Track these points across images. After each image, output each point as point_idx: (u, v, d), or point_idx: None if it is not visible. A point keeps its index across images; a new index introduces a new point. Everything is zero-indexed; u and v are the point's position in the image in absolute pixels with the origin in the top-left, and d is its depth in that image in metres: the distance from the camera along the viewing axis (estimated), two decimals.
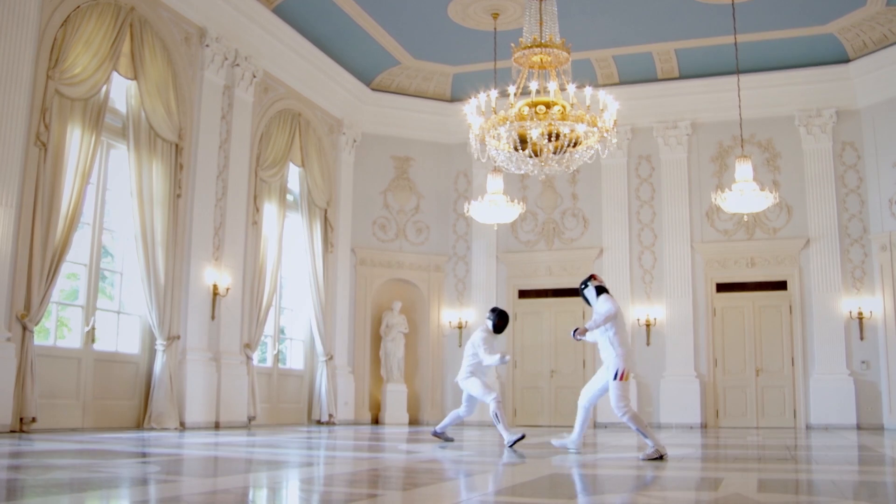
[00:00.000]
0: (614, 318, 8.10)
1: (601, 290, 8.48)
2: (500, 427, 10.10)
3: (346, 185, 18.80)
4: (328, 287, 17.67)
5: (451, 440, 11.02)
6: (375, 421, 18.83)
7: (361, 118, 19.25)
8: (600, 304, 8.28)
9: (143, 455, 7.62)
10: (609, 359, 8.14)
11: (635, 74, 18.39)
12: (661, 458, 7.55)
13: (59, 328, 12.33)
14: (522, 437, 9.82)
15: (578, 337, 8.34)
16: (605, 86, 16.11)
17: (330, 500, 4.60)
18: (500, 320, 10.63)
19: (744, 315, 17.82)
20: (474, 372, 10.58)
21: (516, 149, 9.84)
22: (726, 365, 17.72)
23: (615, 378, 7.99)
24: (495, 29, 15.95)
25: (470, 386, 10.61)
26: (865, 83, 17.26)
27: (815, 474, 6.40)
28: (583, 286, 8.63)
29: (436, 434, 11.03)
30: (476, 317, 19.08)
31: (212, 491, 4.88)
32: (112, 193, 12.89)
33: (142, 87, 12.78)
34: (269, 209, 16.01)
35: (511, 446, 9.53)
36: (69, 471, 5.77)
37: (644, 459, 7.47)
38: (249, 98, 15.50)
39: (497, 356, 10.24)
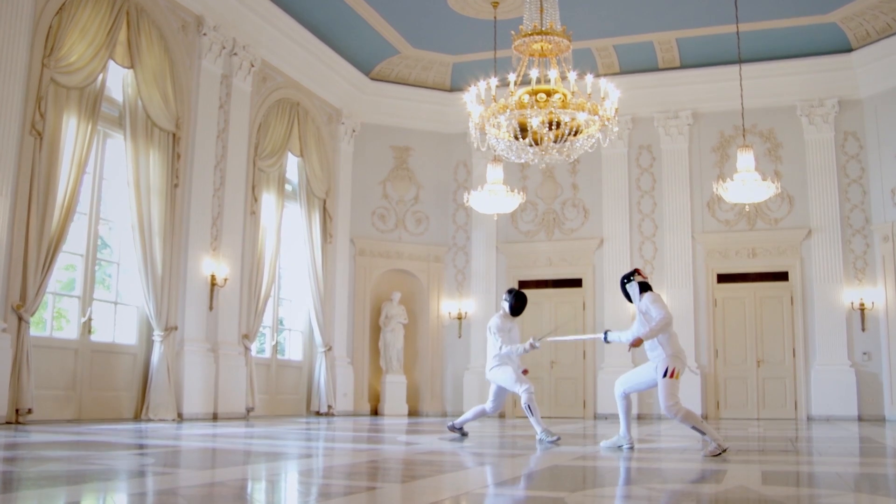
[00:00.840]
0: (670, 326, 7.57)
1: (645, 286, 7.86)
2: (533, 420, 9.27)
3: (345, 176, 18.70)
4: (327, 278, 17.58)
5: (466, 435, 10.06)
6: (375, 412, 18.76)
7: (360, 108, 19.13)
8: (649, 307, 7.64)
9: (139, 447, 7.54)
10: (658, 358, 7.63)
11: (636, 64, 18.26)
12: (724, 452, 7.10)
13: (56, 319, 12.25)
14: (558, 439, 9.01)
15: (634, 346, 7.81)
16: (605, 75, 15.99)
17: (328, 493, 4.52)
18: (517, 301, 9.75)
19: (745, 306, 17.73)
20: (503, 361, 9.65)
21: (516, 137, 9.73)
22: (727, 356, 17.63)
23: (664, 376, 7.50)
24: (495, 17, 15.81)
25: (499, 376, 9.62)
26: (868, 73, 17.13)
27: (819, 466, 6.31)
28: (625, 280, 7.98)
29: (453, 427, 10.07)
30: (476, 307, 19.00)
31: (207, 483, 4.79)
32: (109, 183, 12.79)
33: (138, 76, 12.67)
34: (268, 199, 15.91)
35: (543, 443, 8.83)
36: (62, 463, 5.69)
37: (706, 456, 7.00)
38: (247, 87, 15.38)
39: (524, 345, 9.46)
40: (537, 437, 9.11)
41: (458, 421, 10.11)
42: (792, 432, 11.62)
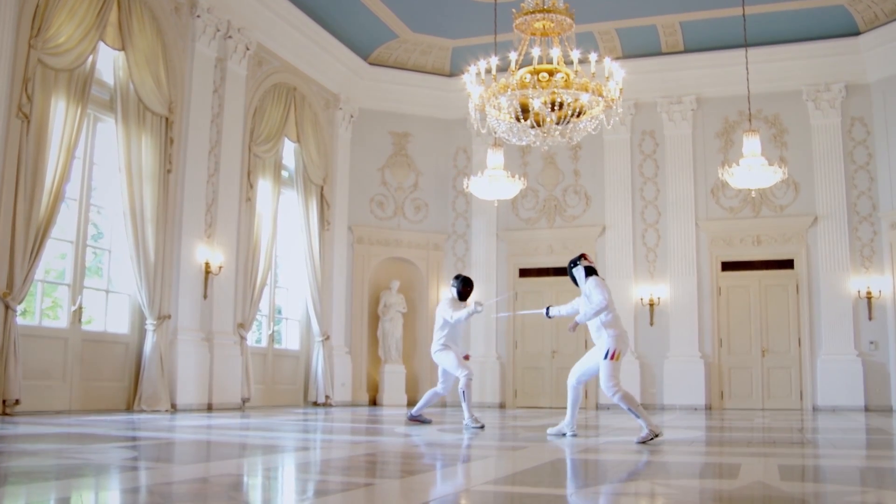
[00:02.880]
0: (605, 310, 7.82)
1: (591, 271, 8.17)
2: (465, 406, 9.75)
3: (342, 162, 18.38)
4: (325, 266, 17.28)
5: (429, 422, 10.55)
6: (373, 402, 18.49)
7: (359, 93, 18.80)
8: (591, 291, 7.92)
9: (127, 439, 7.26)
10: (600, 340, 7.88)
11: (639, 48, 17.91)
12: (656, 437, 7.31)
13: (52, 308, 11.96)
14: (482, 427, 9.51)
15: (571, 330, 8.28)
16: (601, 61, 15.64)
17: (323, 490, 4.25)
18: (464, 286, 10.24)
19: (749, 294, 17.43)
20: (448, 344, 10.06)
21: (518, 119, 9.41)
22: (731, 345, 17.34)
23: (605, 357, 7.73)
24: (495, 0, 15.46)
25: (443, 359, 10.08)
26: (876, 56, 16.79)
27: (837, 460, 6.02)
28: (571, 265, 8.32)
29: (412, 418, 10.47)
30: (476, 296, 18.63)
31: (196, 479, 4.50)
32: (100, 168, 12.47)
33: (130, 59, 12.33)
34: (264, 186, 15.59)
35: (469, 428, 9.39)
36: (41, 457, 5.40)
37: (639, 443, 7.20)
38: (243, 71, 15.05)
39: (466, 309, 9.83)
40: (464, 423, 9.56)
41: (414, 411, 10.53)
42: (800, 423, 11.33)
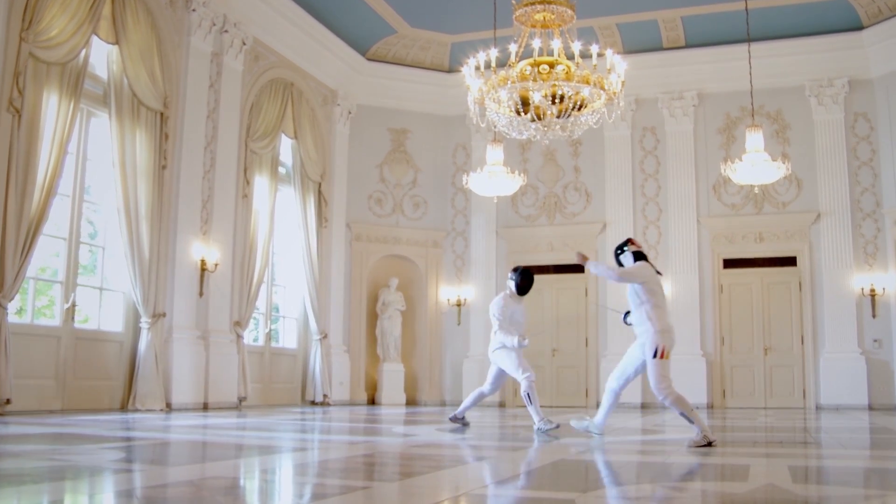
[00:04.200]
0: (636, 280, 7.06)
1: (639, 256, 7.43)
2: (532, 409, 8.81)
3: (340, 158, 18.18)
4: (322, 263, 17.09)
5: (468, 425, 9.68)
6: (371, 401, 18.31)
7: (357, 89, 18.60)
8: (632, 269, 7.30)
9: (118, 439, 7.08)
10: (645, 335, 7.15)
11: (640, 43, 17.70)
12: (709, 444, 6.66)
13: (48, 307, 11.77)
14: (557, 427, 8.56)
15: (581, 261, 7.58)
16: (603, 56, 15.48)
17: (320, 494, 4.07)
18: (523, 280, 9.29)
19: (751, 292, 17.24)
20: (506, 349, 9.15)
21: (518, 112, 9.22)
22: (733, 343, 17.15)
23: (654, 356, 7.03)
24: None
25: (501, 359, 9.16)
26: (880, 51, 16.60)
27: (848, 461, 5.84)
28: (618, 251, 7.57)
29: (455, 419, 9.68)
30: (475, 294, 18.52)
31: (186, 481, 4.32)
32: (93, 164, 12.27)
33: (124, 53, 12.15)
34: (260, 182, 15.40)
35: (542, 432, 8.45)
36: (24, 458, 5.22)
37: (690, 447, 6.59)
38: (239, 66, 14.86)
39: (513, 340, 8.93)
40: (535, 427, 8.63)
41: (458, 411, 9.69)
42: (804, 422, 11.15)
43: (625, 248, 7.51)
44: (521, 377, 8.96)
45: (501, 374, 9.37)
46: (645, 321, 7.18)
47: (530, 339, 9.02)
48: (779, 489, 4.09)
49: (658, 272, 7.39)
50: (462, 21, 17.24)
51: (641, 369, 7.34)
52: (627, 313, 7.66)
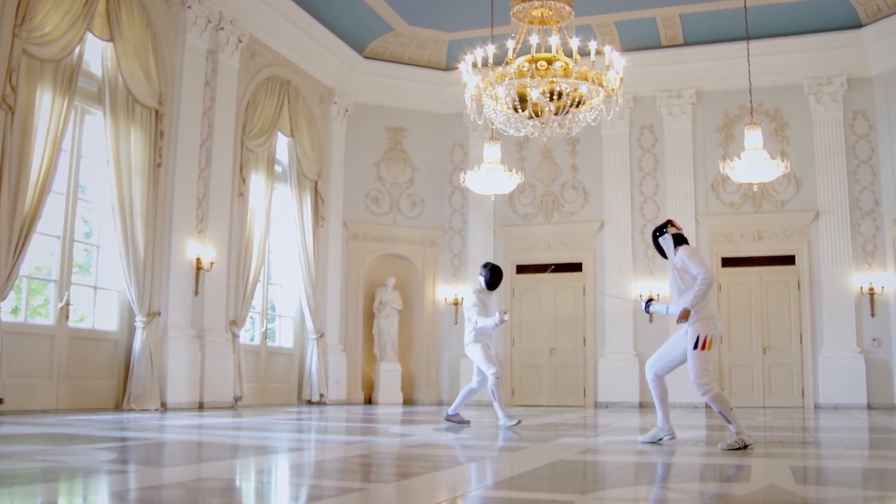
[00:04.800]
0: (712, 283, 6.56)
1: (680, 239, 6.92)
2: (496, 405, 9.35)
3: (337, 157, 18.09)
4: (319, 262, 17.00)
5: (468, 423, 9.94)
6: (368, 401, 18.22)
7: (353, 87, 18.51)
8: (686, 263, 6.70)
9: (111, 439, 6.99)
10: (689, 322, 6.64)
11: (638, 41, 17.61)
12: (745, 447, 6.30)
13: (44, 306, 11.67)
14: (518, 423, 9.20)
15: (681, 321, 6.70)
16: (602, 54, 15.41)
17: (314, 496, 3.98)
18: (492, 275, 9.66)
19: (750, 290, 17.17)
20: (478, 338, 9.57)
21: (515, 109, 9.13)
22: (732, 342, 17.06)
23: (696, 347, 6.52)
24: None
25: (473, 353, 9.61)
26: (879, 49, 16.52)
27: (850, 461, 5.76)
28: (657, 234, 7.03)
29: (449, 418, 9.92)
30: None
31: (174, 484, 4.23)
32: (87, 161, 12.18)
33: (118, 50, 12.06)
34: (256, 180, 15.31)
35: (506, 428, 8.98)
36: (12, 459, 5.13)
37: (725, 450, 6.26)
38: (235, 64, 14.76)
39: (493, 318, 9.34)
40: (499, 423, 9.12)
41: (451, 409, 10.00)
42: (804, 422, 11.08)
43: (665, 231, 7.02)
44: (489, 373, 9.39)
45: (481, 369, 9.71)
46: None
47: (503, 318, 9.35)
48: (782, 490, 4.01)
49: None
50: (459, 19, 17.16)
51: (683, 359, 6.79)
52: (649, 302, 7.37)
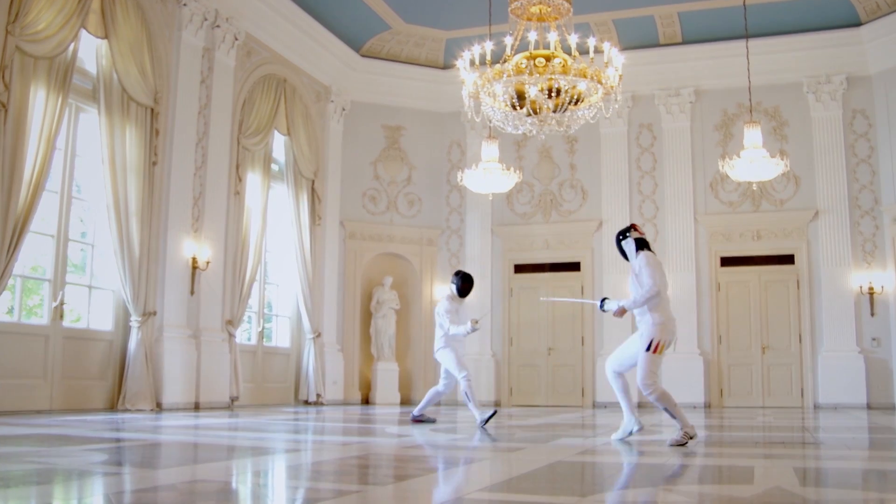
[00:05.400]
0: (657, 296, 6.84)
1: (642, 244, 7.16)
2: (471, 406, 9.57)
3: (334, 155, 17.99)
4: (315, 261, 16.90)
5: (434, 421, 10.32)
6: (366, 401, 18.12)
7: (350, 85, 18.41)
8: (641, 270, 6.94)
9: (104, 440, 6.89)
10: (644, 325, 6.92)
11: (636, 39, 17.52)
12: (690, 440, 6.65)
13: (39, 306, 11.57)
14: (494, 413, 9.49)
15: (616, 316, 7.27)
16: (601, 52, 15.35)
17: (311, 498, 3.90)
18: (464, 283, 10.02)
19: (749, 290, 17.09)
20: (448, 343, 9.88)
21: (514, 106, 9.04)
22: (731, 342, 16.99)
23: (647, 349, 6.81)
24: None
25: (443, 358, 9.91)
26: (878, 47, 16.44)
27: (854, 462, 5.67)
28: (620, 237, 7.31)
29: (416, 419, 10.23)
30: (471, 292, 18.25)
31: (163, 486, 4.14)
32: (82, 160, 12.08)
33: (113, 47, 11.96)
34: (253, 179, 15.21)
35: (483, 426, 9.19)
36: (1, 461, 5.02)
37: (672, 445, 6.53)
38: (231, 62, 14.66)
39: (465, 326, 9.60)
40: (477, 423, 9.30)
41: (416, 410, 10.31)
42: (804, 422, 11.00)
43: (627, 234, 7.26)
44: (460, 377, 9.70)
45: (449, 372, 9.96)
46: (645, 312, 6.96)
47: (475, 327, 9.65)
48: (787, 493, 3.93)
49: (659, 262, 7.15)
50: (457, 17, 17.07)
51: (636, 361, 7.07)
52: (604, 300, 7.50)
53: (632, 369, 7.23)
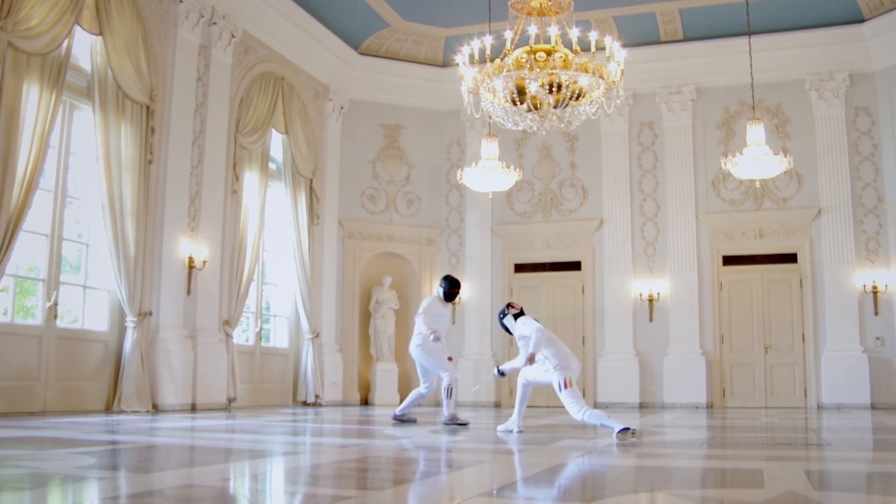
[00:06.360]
0: (546, 337, 7.83)
1: (519, 315, 8.32)
2: (450, 402, 9.65)
3: (332, 154, 17.83)
4: (314, 261, 16.75)
5: (415, 421, 10.27)
6: (365, 402, 17.97)
7: (349, 84, 18.26)
8: (522, 329, 8.04)
9: (95, 443, 6.73)
10: (547, 372, 7.87)
11: (637, 37, 17.33)
12: (633, 434, 7.09)
13: (36, 307, 11.41)
14: (465, 425, 9.49)
15: (530, 363, 7.97)
16: (603, 49, 15.20)
17: None
18: (451, 287, 10.05)
19: (751, 289, 16.93)
20: (425, 342, 9.87)
21: (514, 102, 8.89)
22: (733, 342, 16.84)
23: (561, 389, 7.63)
24: None
25: (421, 357, 9.97)
26: (881, 44, 16.29)
27: (865, 464, 5.52)
28: (501, 316, 8.43)
29: (396, 418, 10.21)
30: (470, 292, 18.17)
31: (150, 492, 3.98)
32: (76, 158, 11.93)
33: (108, 44, 11.80)
34: (250, 178, 15.05)
35: (446, 423, 9.49)
36: None
37: (619, 443, 6.89)
38: (228, 59, 14.51)
39: (429, 331, 9.68)
40: (443, 418, 9.62)
41: (398, 411, 10.32)
42: (809, 422, 10.84)
43: (506, 312, 8.39)
44: (444, 374, 9.76)
45: (428, 371, 10.00)
46: (543, 361, 7.87)
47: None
48: (800, 497, 3.77)
49: (535, 319, 8.22)
50: (456, 14, 16.93)
51: (547, 383, 8.05)
52: (499, 370, 8.78)
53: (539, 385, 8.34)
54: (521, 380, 8.33)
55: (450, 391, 9.64)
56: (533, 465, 5.38)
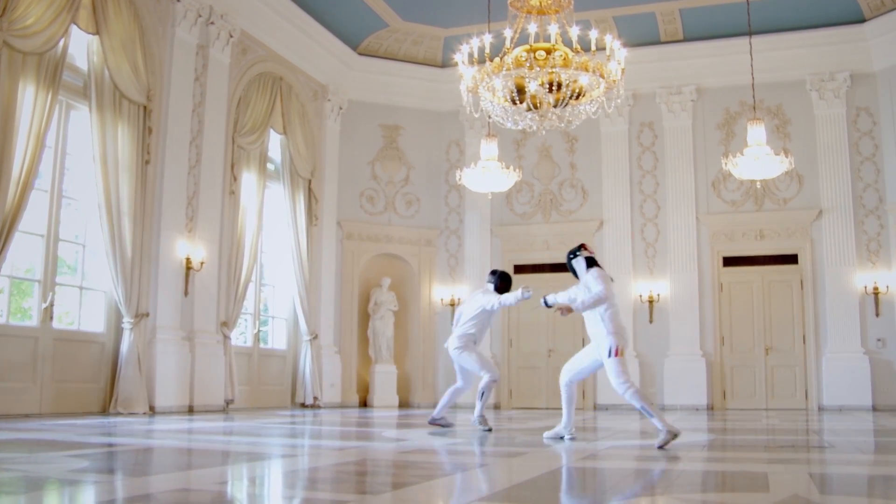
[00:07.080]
0: (605, 301, 7.27)
1: (592, 262, 7.59)
2: (481, 405, 9.40)
3: (331, 155, 17.75)
4: (312, 262, 16.66)
5: (451, 425, 9.79)
6: (364, 404, 17.88)
7: (348, 84, 18.18)
8: (591, 283, 7.38)
9: (89, 445, 6.65)
10: (599, 336, 7.32)
11: (637, 37, 17.24)
12: (675, 437, 6.71)
13: (31, 308, 11.34)
14: (489, 430, 9.12)
15: (564, 314, 7.54)
16: (604, 49, 15.12)
17: None
18: (502, 282, 9.58)
19: (752, 290, 16.85)
20: (467, 345, 9.53)
21: (513, 101, 8.81)
22: (734, 343, 16.76)
23: (610, 355, 7.16)
24: None
25: (464, 359, 9.57)
26: (882, 44, 16.22)
27: (871, 467, 5.45)
28: (571, 256, 7.70)
29: (433, 421, 9.71)
30: (469, 293, 18.04)
31: (141, 496, 3.90)
32: (73, 158, 11.85)
33: (105, 43, 11.73)
34: (248, 178, 14.97)
35: (477, 424, 9.28)
36: None
37: (660, 447, 6.54)
38: (226, 59, 14.43)
39: (514, 294, 9.12)
40: (474, 419, 9.36)
41: (436, 413, 9.80)
42: (811, 424, 10.76)
43: (577, 254, 7.65)
44: (484, 373, 9.45)
45: (465, 370, 9.68)
46: (598, 323, 7.35)
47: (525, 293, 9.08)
48: (806, 501, 3.69)
49: (611, 278, 7.60)
50: (455, 15, 16.84)
51: (594, 368, 7.61)
52: (545, 301, 7.91)
53: (584, 379, 7.85)
54: (562, 379, 7.86)
55: (484, 393, 9.40)
56: (533, 469, 5.30)
